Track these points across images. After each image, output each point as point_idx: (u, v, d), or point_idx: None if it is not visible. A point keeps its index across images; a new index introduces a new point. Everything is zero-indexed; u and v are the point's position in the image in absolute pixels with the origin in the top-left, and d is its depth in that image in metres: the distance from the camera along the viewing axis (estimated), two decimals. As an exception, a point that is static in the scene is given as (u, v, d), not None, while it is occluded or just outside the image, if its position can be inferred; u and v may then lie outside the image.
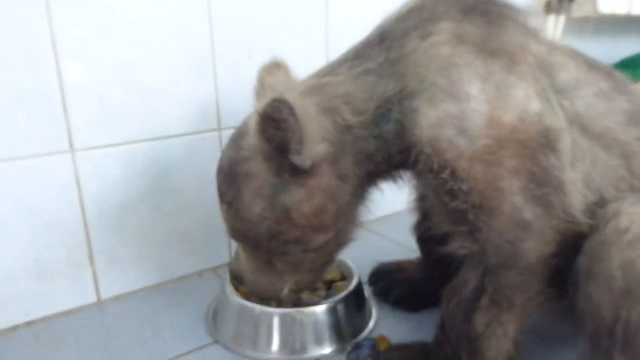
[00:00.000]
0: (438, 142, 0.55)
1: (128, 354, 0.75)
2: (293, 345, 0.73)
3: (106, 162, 0.85)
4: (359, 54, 0.60)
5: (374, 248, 1.06)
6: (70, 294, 0.86)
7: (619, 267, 0.52)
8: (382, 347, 0.73)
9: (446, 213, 0.59)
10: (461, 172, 0.55)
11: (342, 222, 0.63)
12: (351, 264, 0.86)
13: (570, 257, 0.57)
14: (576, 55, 0.62)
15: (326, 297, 0.80)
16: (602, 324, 0.53)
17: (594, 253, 0.54)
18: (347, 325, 0.76)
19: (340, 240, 0.65)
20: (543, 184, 0.55)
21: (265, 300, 0.74)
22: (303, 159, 0.55)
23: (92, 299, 0.88)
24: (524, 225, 0.55)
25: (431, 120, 0.55)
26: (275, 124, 0.54)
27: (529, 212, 0.55)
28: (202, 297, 0.89)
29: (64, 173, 0.81)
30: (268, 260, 0.65)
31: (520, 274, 0.57)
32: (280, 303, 0.76)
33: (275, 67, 0.69)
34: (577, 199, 0.57)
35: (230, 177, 0.61)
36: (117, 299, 0.90)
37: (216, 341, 0.77)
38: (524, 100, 0.55)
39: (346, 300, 0.77)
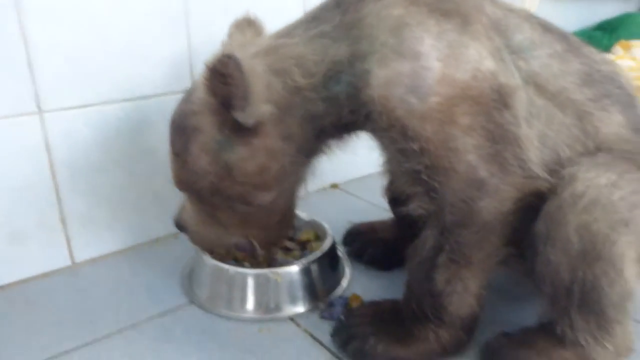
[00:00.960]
0: (388, 101, 0.55)
1: (103, 316, 0.75)
2: (268, 305, 0.74)
3: (77, 124, 0.83)
4: (315, 17, 0.61)
5: (349, 209, 1.08)
6: (44, 257, 0.86)
7: (576, 231, 0.54)
8: (354, 304, 0.75)
9: (403, 174, 0.60)
10: (412, 131, 0.55)
11: (287, 181, 0.65)
12: (325, 224, 0.87)
13: (529, 216, 0.58)
14: (531, 17, 0.63)
15: (300, 258, 0.81)
16: (561, 285, 0.56)
17: (551, 218, 0.56)
18: (321, 284, 0.77)
19: (287, 198, 0.68)
20: (498, 141, 0.56)
21: (210, 248, 0.76)
22: (246, 116, 0.57)
23: (66, 262, 0.88)
24: (478, 184, 0.56)
25: (381, 79, 0.55)
26: (222, 79, 0.55)
27: (484, 170, 0.56)
28: (177, 258, 0.90)
29: (32, 135, 0.80)
30: (214, 214, 0.67)
31: (476, 232, 0.58)
32: (254, 263, 0.77)
33: (246, 24, 0.69)
34: (534, 153, 0.57)
35: (180, 129, 0.63)
36: (92, 261, 0.90)
37: (191, 302, 0.78)
38: (477, 58, 0.55)
39: (320, 260, 0.78)
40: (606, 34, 1.64)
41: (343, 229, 0.93)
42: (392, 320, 0.66)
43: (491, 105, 0.55)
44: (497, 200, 0.56)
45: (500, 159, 0.56)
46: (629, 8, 1.93)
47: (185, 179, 0.65)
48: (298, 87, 0.59)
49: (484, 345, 0.64)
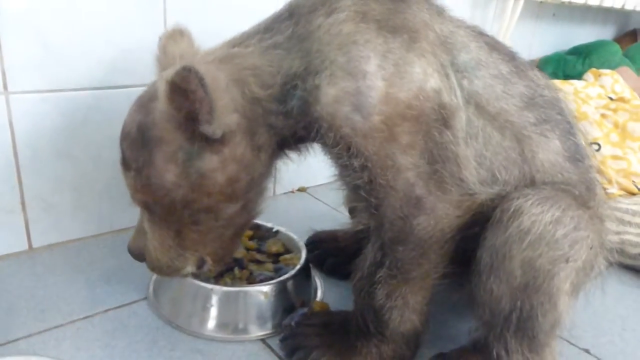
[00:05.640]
0: (334, 119, 0.56)
1: (56, 305, 0.74)
2: (236, 325, 0.72)
3: (45, 108, 0.82)
4: (269, 27, 0.61)
5: (315, 214, 1.09)
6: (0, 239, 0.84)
7: (520, 266, 0.56)
8: (317, 309, 0.75)
9: (348, 189, 0.61)
10: (355, 149, 0.56)
11: (253, 193, 0.63)
12: (295, 236, 0.86)
13: (469, 235, 0.60)
14: (480, 35, 0.64)
15: (275, 271, 0.81)
16: (500, 313, 0.59)
17: (497, 251, 0.57)
18: (296, 299, 0.77)
19: (250, 211, 0.65)
20: (437, 160, 0.57)
21: (167, 275, 0.69)
22: (213, 129, 0.55)
23: (23, 246, 0.87)
24: (415, 201, 0.57)
25: (329, 97, 0.56)
26: (184, 94, 0.52)
27: (421, 188, 0.57)
28: (138, 251, 0.89)
29: (-4, 115, 0.78)
30: (177, 231, 0.63)
31: (413, 249, 0.59)
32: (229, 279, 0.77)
33: (178, 35, 0.67)
34: (470, 172, 0.59)
35: (140, 143, 0.58)
36: (50, 247, 0.89)
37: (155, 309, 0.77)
38: (421, 77, 0.57)
39: (295, 276, 0.76)
40: (580, 58, 1.68)
41: (308, 234, 0.93)
42: (340, 332, 0.67)
43: (432, 124, 0.57)
44: (433, 217, 0.58)
45: (438, 177, 0.57)
46: (605, 33, 1.98)
47: (149, 195, 0.60)
48: (256, 97, 0.59)
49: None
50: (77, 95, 0.84)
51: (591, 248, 0.60)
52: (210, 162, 0.58)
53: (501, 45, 0.65)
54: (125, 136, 0.61)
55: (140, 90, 0.90)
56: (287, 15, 0.60)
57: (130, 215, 0.95)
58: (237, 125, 0.58)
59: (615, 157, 1.22)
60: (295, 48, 0.58)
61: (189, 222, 0.62)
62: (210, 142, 0.57)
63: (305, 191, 1.22)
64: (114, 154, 0.90)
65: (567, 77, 1.61)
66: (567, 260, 0.57)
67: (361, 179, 0.58)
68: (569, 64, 1.67)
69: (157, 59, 0.67)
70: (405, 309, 0.62)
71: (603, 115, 1.33)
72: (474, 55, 0.61)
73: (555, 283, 0.57)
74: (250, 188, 0.62)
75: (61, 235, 0.90)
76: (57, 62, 0.81)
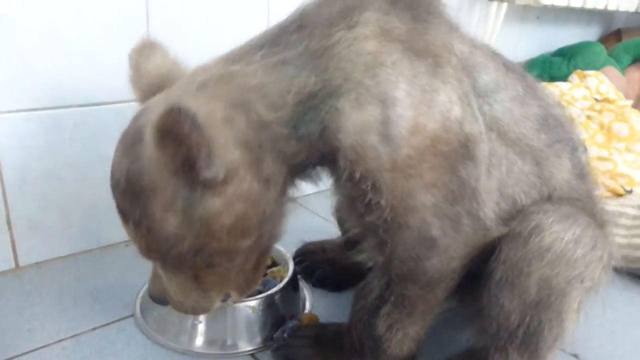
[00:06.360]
0: (362, 149, 0.51)
1: (43, 324, 0.74)
2: (224, 341, 0.72)
3: (29, 127, 0.82)
4: (275, 41, 0.54)
5: (304, 225, 1.08)
6: (-14, 259, 0.84)
7: (537, 283, 0.55)
8: (307, 322, 0.75)
9: (359, 224, 0.59)
10: (381, 185, 0.52)
11: (269, 224, 0.57)
12: (282, 249, 0.85)
13: (475, 265, 0.59)
14: (495, 55, 0.62)
15: (263, 284, 0.80)
16: (507, 327, 0.58)
17: (513, 265, 0.56)
18: (285, 311, 0.76)
19: (270, 238, 0.59)
20: (457, 198, 0.54)
21: (198, 314, 0.68)
22: (214, 172, 0.48)
23: (10, 265, 0.86)
24: (429, 242, 0.55)
25: (356, 124, 0.51)
26: (175, 139, 0.45)
27: (437, 229, 0.54)
28: (127, 267, 0.89)
29: (-20, 136, 0.78)
30: (195, 276, 0.57)
31: (422, 288, 0.58)
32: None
33: (148, 49, 0.60)
34: (489, 207, 0.57)
35: (132, 193, 0.51)
36: (38, 265, 0.88)
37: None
38: (447, 106, 0.53)
39: (283, 289, 0.76)
40: (565, 60, 1.69)
41: (297, 245, 0.92)
42: (332, 345, 0.67)
43: (458, 159, 0.54)
44: (445, 258, 0.56)
45: (455, 217, 0.55)
46: (590, 34, 2.00)
47: (156, 248, 0.54)
48: (264, 122, 0.52)
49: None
50: (62, 113, 0.84)
51: (603, 268, 0.59)
52: (213, 205, 0.50)
53: (513, 64, 0.64)
54: (115, 185, 0.54)
55: (125, 107, 0.90)
56: (297, 27, 0.54)
57: (118, 230, 0.95)
58: (241, 159, 0.51)
59: (601, 159, 1.23)
60: (309, 65, 0.52)
61: (204, 267, 0.56)
62: (211, 185, 0.49)
63: (296, 201, 1.21)
64: (100, 170, 0.89)
65: (552, 79, 1.63)
66: (582, 281, 0.57)
67: (380, 218, 0.54)
68: (555, 66, 1.69)
69: (130, 78, 0.60)
70: (404, 340, 0.62)
71: (588, 117, 1.34)
72: (493, 77, 0.59)
73: (566, 301, 0.57)
74: (264, 221, 0.55)
75: (48, 253, 0.90)
76: (41, 80, 0.81)
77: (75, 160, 0.88)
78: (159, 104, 0.49)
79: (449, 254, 0.56)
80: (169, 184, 0.50)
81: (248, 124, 0.52)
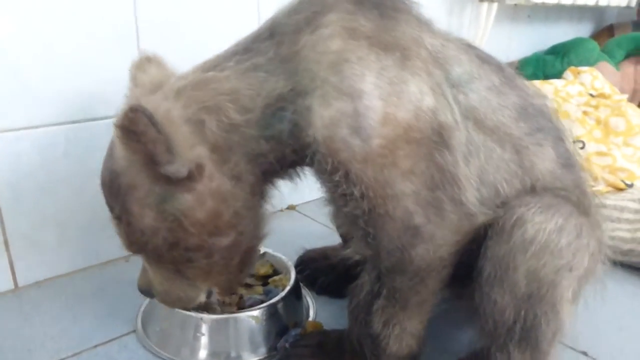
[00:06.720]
0: (332, 142, 0.53)
1: (43, 344, 0.73)
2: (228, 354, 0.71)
3: (23, 145, 0.81)
4: (248, 48, 0.57)
5: (305, 232, 1.07)
6: (-16, 280, 0.83)
7: (524, 276, 0.55)
8: (311, 330, 0.74)
9: (342, 217, 0.59)
10: (354, 175, 0.54)
11: (245, 222, 0.59)
12: (283, 257, 0.85)
13: (466, 256, 0.59)
14: (469, 48, 0.62)
15: (265, 294, 0.80)
16: (503, 324, 0.57)
17: (499, 261, 0.56)
18: (288, 320, 0.75)
19: (251, 238, 0.62)
20: (437, 184, 0.55)
21: (184, 307, 0.69)
22: (176, 168, 0.52)
23: (9, 285, 0.85)
24: (413, 231, 0.55)
25: (324, 119, 0.53)
26: (135, 137, 0.49)
27: (420, 217, 0.55)
28: (127, 282, 0.86)
29: (-26, 156, 0.77)
30: (176, 270, 0.61)
31: (411, 279, 0.58)
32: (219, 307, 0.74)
33: (145, 63, 0.64)
34: (471, 193, 0.57)
35: (113, 190, 0.57)
36: (37, 285, 0.87)
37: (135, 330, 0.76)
38: (417, 96, 0.54)
39: (285, 298, 0.75)
40: (558, 57, 1.69)
41: (298, 253, 0.92)
42: (335, 352, 0.66)
43: (432, 147, 0.55)
44: (432, 246, 0.56)
45: (437, 203, 0.55)
46: (582, 30, 2.01)
47: (135, 241, 0.59)
48: (234, 124, 0.55)
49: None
50: (56, 130, 0.84)
51: (592, 255, 0.59)
52: (184, 201, 0.55)
53: (489, 56, 0.64)
54: (102, 184, 0.60)
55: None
56: (268, 35, 0.57)
57: (116, 246, 0.94)
58: (209, 157, 0.55)
59: (600, 154, 1.22)
60: (278, 69, 0.55)
61: (183, 261, 0.59)
62: (180, 182, 0.54)
63: (295, 209, 1.21)
64: (96, 186, 0.89)
65: (547, 77, 1.62)
66: (570, 270, 0.56)
67: (359, 208, 0.55)
68: (548, 63, 1.69)
69: (128, 90, 0.64)
70: (402, 336, 0.61)
71: (585, 113, 1.34)
72: (467, 68, 0.59)
73: (558, 292, 0.56)
74: (239, 219, 0.58)
75: (47, 272, 0.89)
76: (33, 97, 0.80)
77: (70, 176, 0.87)
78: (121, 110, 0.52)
79: (434, 241, 0.56)
80: (142, 181, 0.54)
81: (219, 126, 0.55)
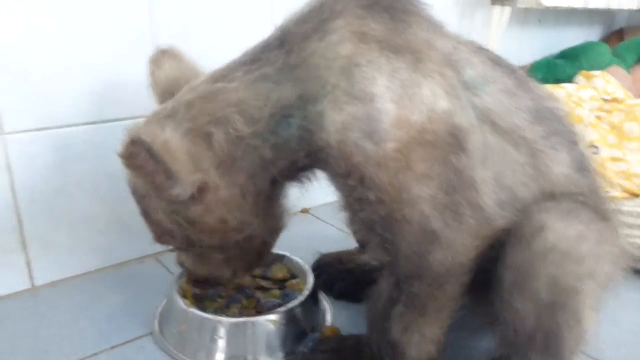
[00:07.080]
0: (345, 146, 0.52)
1: (60, 344, 0.73)
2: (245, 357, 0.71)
3: (39, 146, 0.82)
4: (256, 58, 0.57)
5: (319, 236, 1.07)
6: (1, 280, 0.83)
7: (546, 284, 0.54)
8: (328, 335, 0.74)
9: (358, 222, 0.59)
10: (369, 179, 0.53)
11: (255, 225, 0.62)
12: (300, 260, 0.84)
13: (485, 262, 0.58)
14: (480, 51, 0.62)
15: (282, 297, 0.79)
16: (524, 332, 0.56)
17: (519, 269, 0.55)
18: (306, 324, 0.75)
19: (265, 233, 0.65)
20: (454, 188, 0.54)
21: (213, 284, 0.77)
22: (179, 192, 0.55)
23: (25, 285, 0.86)
24: (431, 236, 0.54)
25: (337, 124, 0.52)
26: (136, 169, 0.54)
27: (438, 221, 0.54)
28: (142, 284, 0.88)
29: (-8, 157, 0.77)
30: (200, 255, 0.66)
31: (429, 285, 0.57)
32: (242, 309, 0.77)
33: (161, 57, 0.66)
34: (489, 196, 0.56)
35: (134, 194, 0.62)
36: (53, 285, 0.88)
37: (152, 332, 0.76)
38: (431, 99, 0.53)
39: (304, 302, 0.74)
40: (568, 62, 1.69)
41: (313, 257, 0.91)
42: (353, 357, 0.66)
43: (448, 149, 0.54)
44: (450, 251, 0.55)
45: (455, 207, 0.54)
46: (592, 34, 2.00)
47: (159, 235, 0.64)
48: (241, 136, 0.56)
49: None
50: (70, 131, 0.84)
51: (613, 261, 0.58)
52: (195, 211, 0.58)
53: (501, 59, 0.63)
54: (128, 184, 0.64)
55: (130, 123, 0.90)
56: (278, 44, 0.57)
57: (131, 247, 0.94)
58: (215, 169, 0.57)
59: (615, 159, 1.21)
60: (287, 78, 0.55)
61: (203, 253, 0.65)
62: (185, 200, 0.56)
63: (309, 212, 1.21)
64: (111, 187, 0.90)
65: (557, 81, 1.62)
66: (592, 277, 0.55)
67: (376, 213, 0.54)
68: (559, 68, 1.68)
69: (150, 87, 0.67)
70: (421, 343, 0.60)
71: (598, 117, 1.33)
72: (480, 71, 0.59)
73: (580, 300, 0.55)
74: (249, 223, 0.61)
75: (63, 272, 0.89)
76: (47, 99, 0.81)
77: (85, 177, 0.87)
78: (134, 128, 0.57)
79: (453, 246, 0.55)
80: (153, 196, 0.58)
81: (226, 138, 0.56)
